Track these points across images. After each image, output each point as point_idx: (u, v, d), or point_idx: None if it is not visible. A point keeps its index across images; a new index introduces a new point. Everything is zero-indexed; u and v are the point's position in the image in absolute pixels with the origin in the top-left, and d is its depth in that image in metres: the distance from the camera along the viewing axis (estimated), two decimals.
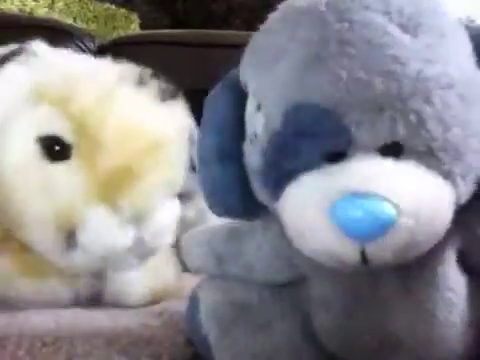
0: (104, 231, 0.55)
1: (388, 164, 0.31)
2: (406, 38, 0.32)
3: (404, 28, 0.32)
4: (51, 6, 2.74)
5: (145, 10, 3.45)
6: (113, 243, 0.55)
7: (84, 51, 1.07)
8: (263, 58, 0.36)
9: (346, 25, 0.32)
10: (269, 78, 0.35)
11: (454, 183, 0.32)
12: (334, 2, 0.33)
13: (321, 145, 0.32)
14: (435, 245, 0.33)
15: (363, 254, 0.31)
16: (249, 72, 0.37)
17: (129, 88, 0.60)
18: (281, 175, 0.34)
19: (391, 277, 0.35)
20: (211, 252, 0.43)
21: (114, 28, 3.01)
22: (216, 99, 0.40)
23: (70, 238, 0.55)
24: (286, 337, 0.39)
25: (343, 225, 0.31)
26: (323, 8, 0.33)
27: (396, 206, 0.30)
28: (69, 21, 2.58)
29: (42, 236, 0.56)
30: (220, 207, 0.41)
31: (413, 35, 0.32)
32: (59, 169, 0.56)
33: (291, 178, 0.33)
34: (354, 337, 0.37)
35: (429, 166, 0.31)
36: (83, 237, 0.55)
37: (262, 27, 0.37)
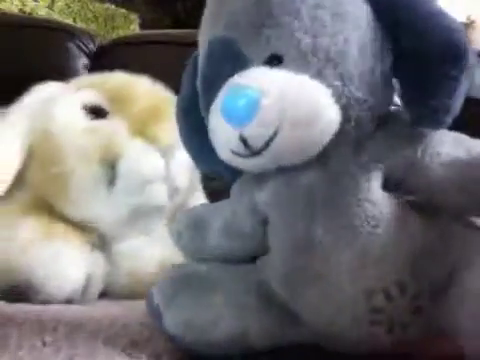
0: (143, 157, 0.64)
1: (261, 67, 0.38)
2: None
3: None
4: (51, 6, 2.74)
5: (145, 10, 3.45)
6: (150, 168, 0.64)
7: (84, 51, 1.07)
8: (203, 18, 0.43)
9: None
10: (200, 30, 0.43)
11: (328, 83, 0.37)
12: None
13: (227, 67, 0.39)
14: (357, 164, 0.39)
15: (243, 139, 0.36)
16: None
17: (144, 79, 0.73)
18: (210, 98, 0.40)
19: (322, 193, 0.39)
20: (193, 215, 0.48)
21: (114, 28, 3.00)
22: (187, 65, 0.47)
23: (112, 170, 0.63)
24: (233, 300, 0.42)
25: (221, 111, 0.37)
26: None
27: (259, 90, 0.36)
28: (69, 21, 2.58)
29: (87, 173, 0.64)
30: (190, 155, 0.49)
31: None
32: (100, 122, 0.66)
33: (214, 100, 0.40)
34: (295, 258, 0.40)
35: (300, 68, 0.37)
36: (124, 166, 0.63)
37: None
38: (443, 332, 0.38)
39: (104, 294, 0.66)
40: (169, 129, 0.63)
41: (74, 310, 0.55)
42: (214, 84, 0.40)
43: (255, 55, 0.38)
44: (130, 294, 0.64)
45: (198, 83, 0.43)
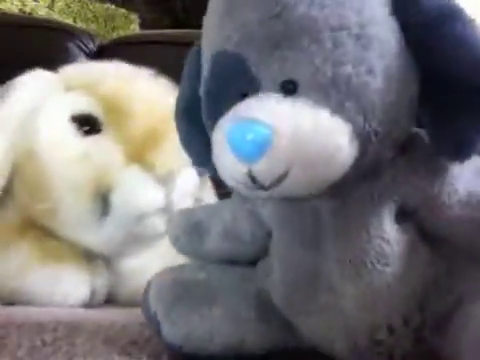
0: (139, 189, 0.58)
1: (273, 97, 0.34)
2: None
3: None
4: (51, 6, 2.74)
5: (145, 10, 3.45)
6: (147, 201, 0.58)
7: (84, 51, 1.07)
8: (206, 18, 0.39)
9: None
10: (204, 32, 0.39)
11: (348, 118, 0.33)
12: None
13: (234, 86, 0.35)
14: (371, 193, 0.36)
15: (251, 175, 0.33)
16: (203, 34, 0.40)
17: (145, 75, 0.67)
18: (213, 114, 0.37)
19: (331, 221, 0.37)
20: (191, 218, 0.46)
21: (114, 28, 3.00)
22: (187, 61, 0.43)
23: (105, 202, 0.58)
24: (231, 311, 0.41)
25: (228, 142, 0.33)
26: None
27: (270, 127, 0.32)
28: (69, 21, 2.58)
29: (78, 205, 0.58)
30: (191, 157, 0.45)
31: None
32: (94, 140, 0.60)
33: (219, 117, 0.36)
34: (298, 282, 0.39)
35: (318, 100, 0.33)
36: (118, 198, 0.57)
37: None
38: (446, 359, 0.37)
39: (108, 301, 0.65)
40: (170, 152, 0.58)
41: (74, 311, 0.55)
42: (219, 99, 0.37)
43: (268, 78, 0.34)
44: (134, 302, 0.62)
45: (201, 90, 0.39)
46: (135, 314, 0.52)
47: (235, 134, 0.33)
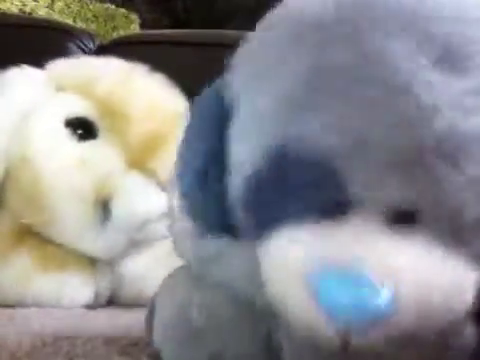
0: (140, 196, 0.56)
1: (390, 237, 0.24)
2: (440, 77, 0.24)
3: (440, 63, 0.24)
4: (51, 6, 2.74)
5: (145, 10, 3.45)
6: (149, 208, 0.56)
7: (84, 51, 1.07)
8: (257, 72, 0.28)
9: (355, 55, 0.24)
10: (258, 101, 0.27)
11: (475, 263, 0.25)
12: (347, 17, 0.25)
13: (310, 201, 0.25)
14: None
15: (344, 340, 0.24)
16: (242, 85, 0.30)
17: (142, 72, 0.64)
18: (262, 220, 0.27)
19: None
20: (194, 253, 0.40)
21: (114, 28, 3.01)
22: (196, 116, 0.33)
23: (105, 210, 0.56)
24: (240, 354, 0.35)
25: (323, 304, 0.24)
26: (332, 25, 0.25)
27: (391, 293, 0.23)
28: (69, 21, 2.59)
29: (77, 214, 0.56)
30: (203, 227, 0.35)
31: (451, 73, 0.24)
32: (90, 146, 0.58)
33: (274, 226, 0.26)
34: None
35: (450, 246, 0.24)
36: (119, 206, 0.55)
37: (259, 35, 0.30)
38: None
39: (110, 302, 0.64)
40: (170, 156, 0.55)
41: (75, 312, 0.55)
42: (277, 206, 0.26)
43: (369, 201, 0.24)
44: (137, 304, 0.61)
45: (244, 180, 0.27)
46: (136, 315, 0.52)
47: (334, 292, 0.24)
